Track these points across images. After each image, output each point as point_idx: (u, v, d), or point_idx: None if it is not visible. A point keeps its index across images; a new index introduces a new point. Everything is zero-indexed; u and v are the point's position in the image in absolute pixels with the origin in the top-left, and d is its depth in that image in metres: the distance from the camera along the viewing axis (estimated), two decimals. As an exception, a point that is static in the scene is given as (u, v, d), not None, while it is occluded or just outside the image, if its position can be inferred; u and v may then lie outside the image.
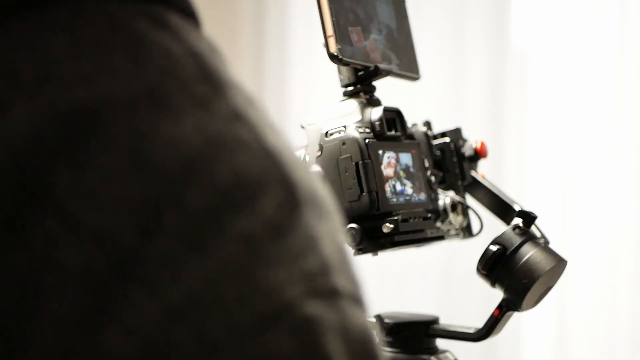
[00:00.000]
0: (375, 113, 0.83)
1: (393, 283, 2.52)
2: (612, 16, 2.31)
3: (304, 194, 0.33)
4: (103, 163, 0.29)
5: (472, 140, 0.98)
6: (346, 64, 0.84)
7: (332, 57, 0.83)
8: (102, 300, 0.28)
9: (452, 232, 0.92)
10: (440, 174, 0.94)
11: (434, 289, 2.47)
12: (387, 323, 0.89)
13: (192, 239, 0.30)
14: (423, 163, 0.88)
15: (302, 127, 0.84)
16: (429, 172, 0.89)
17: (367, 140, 0.80)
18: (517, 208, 0.90)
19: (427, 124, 0.96)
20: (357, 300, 0.34)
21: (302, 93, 2.73)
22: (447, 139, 0.95)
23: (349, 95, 0.86)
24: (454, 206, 0.91)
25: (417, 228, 0.83)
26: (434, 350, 0.90)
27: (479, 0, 2.51)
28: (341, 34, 0.83)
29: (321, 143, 0.81)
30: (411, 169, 0.86)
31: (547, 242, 0.89)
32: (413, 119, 0.95)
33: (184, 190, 0.30)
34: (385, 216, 0.80)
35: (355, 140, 0.80)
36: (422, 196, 0.86)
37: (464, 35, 2.53)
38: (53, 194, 0.29)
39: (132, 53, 0.32)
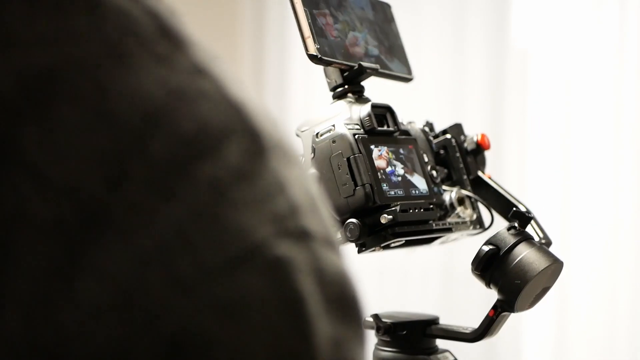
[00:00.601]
0: (364, 109, 0.83)
1: (393, 283, 2.52)
2: (611, 16, 2.31)
3: (269, 141, 0.34)
4: (68, 119, 0.30)
5: (473, 135, 0.98)
6: (327, 63, 0.85)
7: (312, 58, 0.83)
8: (74, 250, 0.29)
9: (461, 225, 0.90)
10: (445, 170, 0.93)
11: (434, 289, 2.47)
12: (386, 322, 0.88)
13: (159, 186, 0.31)
14: (422, 158, 0.88)
15: (297, 135, 0.84)
16: (429, 167, 0.88)
17: (356, 136, 0.81)
18: (522, 209, 0.90)
19: (430, 125, 0.96)
20: (330, 243, 0.35)
21: (302, 93, 2.73)
22: (448, 136, 0.95)
23: (337, 97, 0.86)
24: (461, 200, 0.90)
25: (418, 218, 0.82)
26: (434, 350, 0.90)
27: (479, 0, 2.50)
28: (318, 35, 0.84)
29: (313, 145, 0.81)
30: (407, 162, 0.85)
31: (548, 243, 0.88)
32: (413, 119, 0.95)
33: (148, 140, 0.31)
34: (384, 209, 0.80)
35: (344, 136, 0.80)
36: (423, 189, 0.85)
37: (464, 35, 2.53)
38: (20, 151, 0.30)
39: (92, 15, 0.33)
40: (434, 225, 0.85)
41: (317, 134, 0.82)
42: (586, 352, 2.32)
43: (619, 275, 2.28)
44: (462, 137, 0.95)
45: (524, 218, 0.83)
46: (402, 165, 0.85)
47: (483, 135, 0.96)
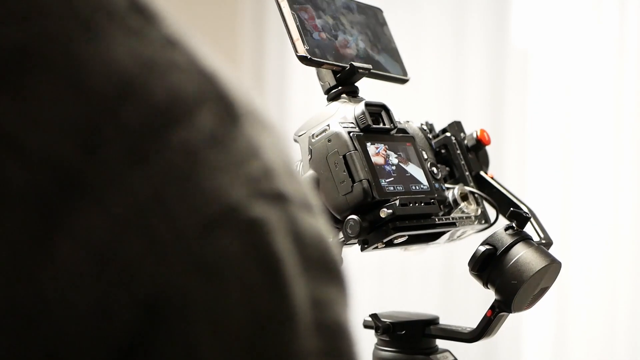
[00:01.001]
0: (358, 108, 0.83)
1: (393, 283, 2.52)
2: (611, 16, 2.31)
3: (242, 108, 0.35)
4: (43, 90, 0.31)
5: (472, 131, 0.97)
6: (317, 64, 0.85)
7: (302, 59, 0.84)
8: (52, 216, 0.30)
9: (466, 220, 0.90)
10: (447, 169, 0.93)
11: (434, 289, 2.47)
12: (385, 322, 0.88)
13: (133, 152, 0.31)
14: (421, 155, 0.87)
15: (295, 140, 0.84)
16: (429, 164, 0.88)
17: (351, 133, 0.81)
18: (524, 209, 0.89)
19: (430, 126, 0.95)
20: (307, 207, 0.35)
21: (302, 94, 2.73)
22: (448, 134, 0.95)
23: (331, 99, 0.86)
24: (464, 196, 0.89)
25: (419, 212, 0.82)
26: (434, 350, 0.90)
27: (479, 0, 2.51)
28: (307, 37, 0.84)
29: (310, 147, 0.81)
30: (406, 160, 0.85)
31: (549, 243, 0.88)
32: (413, 119, 0.95)
33: (122, 108, 0.32)
34: (383, 204, 0.79)
35: (339, 134, 0.80)
36: (424, 185, 0.85)
37: (464, 35, 2.53)
38: None
39: None
40: (436, 219, 0.85)
41: (312, 135, 0.82)
42: (586, 352, 2.32)
43: (619, 275, 2.28)
44: (462, 135, 0.95)
45: (522, 218, 0.83)
46: (397, 160, 0.84)
47: (482, 131, 0.96)
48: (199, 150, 0.32)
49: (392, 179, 0.82)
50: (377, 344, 0.90)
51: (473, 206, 0.91)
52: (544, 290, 0.85)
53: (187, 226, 0.31)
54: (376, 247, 0.81)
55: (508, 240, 0.82)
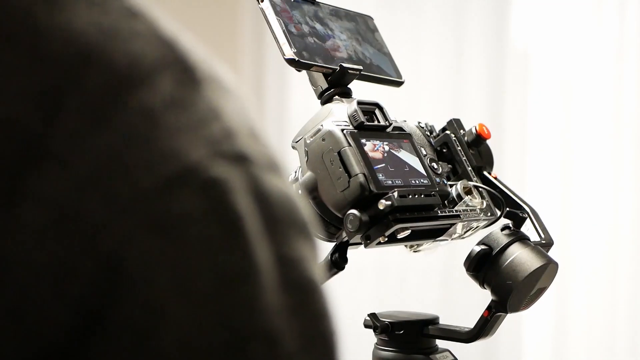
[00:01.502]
0: (351, 106, 0.83)
1: (393, 283, 2.52)
2: (611, 17, 2.31)
3: (203, 74, 0.35)
4: (4, 58, 0.32)
5: (471, 127, 0.96)
6: (306, 66, 0.85)
7: (290, 62, 0.84)
8: (13, 179, 0.31)
9: (471, 212, 0.88)
10: (449, 166, 0.92)
11: (434, 289, 2.47)
12: (383, 322, 0.88)
13: (94, 115, 0.32)
14: (419, 151, 0.86)
15: (293, 147, 0.83)
16: (428, 159, 0.87)
17: (344, 130, 0.80)
18: (527, 209, 0.88)
19: (430, 127, 0.95)
20: (272, 167, 0.36)
21: (302, 94, 2.73)
22: (447, 132, 0.94)
23: (324, 102, 0.86)
24: (468, 191, 0.88)
25: (420, 203, 0.80)
26: (434, 350, 0.90)
27: (479, 0, 2.51)
28: (294, 40, 0.84)
29: (306, 149, 0.81)
30: (404, 157, 0.84)
31: (549, 243, 0.87)
32: (413, 120, 0.95)
33: (82, 74, 0.33)
34: (382, 197, 0.78)
35: (332, 132, 0.80)
36: (424, 179, 0.84)
37: (463, 36, 2.53)
38: None
39: None
40: (439, 212, 0.83)
41: (307, 137, 0.81)
42: (586, 352, 2.32)
43: (619, 275, 2.28)
44: (462, 132, 0.95)
45: (518, 218, 0.83)
46: (395, 155, 0.83)
47: (481, 125, 0.95)
48: (159, 112, 0.33)
49: (390, 173, 0.81)
50: (377, 343, 0.90)
51: (478, 199, 0.89)
52: (541, 291, 0.84)
53: (147, 186, 0.32)
54: (379, 243, 0.80)
55: (504, 240, 0.81)
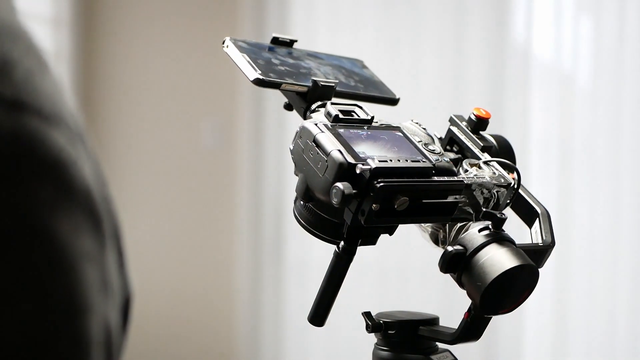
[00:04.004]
0: (327, 107, 0.82)
1: (393, 283, 2.52)
2: (611, 16, 2.31)
3: None
4: None
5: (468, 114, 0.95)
6: (274, 85, 0.83)
7: (257, 82, 0.82)
8: None
9: (477, 180, 0.82)
10: (458, 155, 0.89)
11: (435, 288, 2.47)
12: (375, 321, 0.88)
13: None
14: (410, 137, 0.82)
15: (295, 174, 0.82)
16: (422, 144, 0.82)
17: (317, 124, 0.78)
18: (538, 210, 0.86)
19: (424, 128, 0.94)
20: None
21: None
22: (450, 127, 0.93)
23: (307, 118, 0.84)
24: (477, 166, 0.84)
25: (406, 166, 0.76)
26: (433, 350, 0.90)
27: (479, 0, 2.51)
28: (258, 64, 0.84)
29: (292, 156, 0.80)
30: (390, 138, 0.81)
31: (547, 246, 0.84)
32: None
33: None
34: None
35: (305, 126, 0.78)
36: (414, 153, 0.80)
37: (464, 35, 2.53)
38: None
39: None
40: (435, 178, 0.78)
41: (290, 145, 0.80)
42: (586, 352, 2.32)
43: (619, 275, 2.28)
44: (464, 123, 0.93)
45: (496, 219, 0.79)
46: (381, 137, 0.80)
47: (476, 108, 0.93)
48: None
49: (372, 149, 0.78)
50: (376, 343, 0.90)
51: (488, 171, 0.85)
52: (524, 294, 0.80)
53: None
54: (377, 214, 0.75)
55: (479, 241, 0.78)
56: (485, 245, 0.77)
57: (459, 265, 0.78)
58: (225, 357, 3.25)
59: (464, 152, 0.90)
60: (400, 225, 0.82)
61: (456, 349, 0.92)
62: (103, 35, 3.27)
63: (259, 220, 3.10)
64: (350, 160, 0.75)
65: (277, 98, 2.85)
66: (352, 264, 0.84)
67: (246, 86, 3.06)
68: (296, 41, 0.92)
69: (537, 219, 0.85)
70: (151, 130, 3.28)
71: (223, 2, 3.16)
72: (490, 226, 0.78)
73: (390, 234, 0.83)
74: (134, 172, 3.29)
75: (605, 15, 2.32)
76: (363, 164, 0.74)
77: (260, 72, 0.83)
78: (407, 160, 0.77)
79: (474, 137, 0.90)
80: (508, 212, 0.86)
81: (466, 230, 0.82)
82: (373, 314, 0.90)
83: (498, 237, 0.78)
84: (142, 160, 3.30)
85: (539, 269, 0.81)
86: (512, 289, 0.79)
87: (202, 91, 3.25)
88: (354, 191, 0.74)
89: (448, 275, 0.81)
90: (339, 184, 0.74)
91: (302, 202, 0.82)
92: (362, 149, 0.77)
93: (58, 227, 0.36)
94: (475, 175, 0.83)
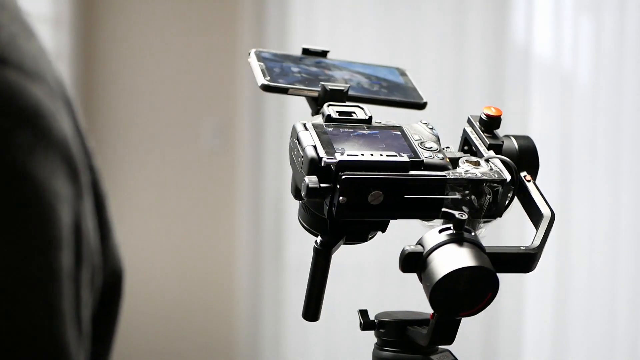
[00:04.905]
0: (323, 108, 0.81)
1: (394, 283, 2.52)
2: (611, 16, 2.31)
3: None
4: None
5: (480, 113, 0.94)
6: (282, 90, 0.84)
7: (264, 88, 0.83)
8: None
9: (465, 174, 0.80)
10: (467, 154, 0.88)
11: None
12: (367, 319, 0.88)
13: None
14: (409, 136, 0.81)
15: None
16: (419, 142, 0.81)
17: (306, 123, 0.78)
18: (542, 212, 0.84)
19: (431, 127, 0.93)
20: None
21: (302, 99, 2.73)
22: (465, 129, 0.92)
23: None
24: (476, 163, 0.82)
25: (376, 159, 0.75)
26: (433, 350, 0.90)
27: (479, 0, 2.51)
28: (270, 73, 0.85)
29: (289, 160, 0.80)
30: (384, 137, 0.80)
31: (531, 253, 0.82)
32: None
33: None
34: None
35: (294, 126, 0.78)
36: (403, 150, 0.79)
37: (464, 35, 2.53)
38: None
39: None
40: (420, 169, 0.77)
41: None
42: (586, 352, 2.32)
43: (619, 275, 2.28)
44: (478, 125, 0.92)
45: (455, 220, 0.77)
46: (373, 135, 0.79)
47: (486, 107, 0.92)
48: None
49: (356, 147, 0.77)
50: (376, 343, 0.90)
51: (485, 167, 0.82)
52: (486, 297, 0.76)
53: None
54: (348, 208, 0.74)
55: (435, 240, 0.76)
56: (441, 245, 0.75)
57: (417, 264, 0.77)
58: (225, 356, 3.25)
59: (477, 154, 0.88)
60: (400, 225, 0.82)
61: (456, 349, 0.92)
62: (103, 35, 3.27)
63: (259, 220, 3.10)
64: (322, 155, 0.75)
65: (277, 99, 2.85)
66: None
67: (246, 87, 3.06)
68: (328, 52, 0.92)
69: (540, 222, 0.83)
70: (151, 131, 3.28)
71: (223, 2, 3.16)
72: (451, 226, 0.76)
73: (383, 231, 0.82)
74: (134, 172, 3.29)
75: (605, 15, 2.32)
76: (329, 158, 0.74)
77: (268, 78, 0.84)
78: (382, 155, 0.76)
79: (482, 135, 0.89)
80: (511, 212, 0.85)
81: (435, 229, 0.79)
82: (373, 313, 0.90)
83: (458, 237, 0.76)
84: (142, 160, 3.30)
85: (528, 273, 0.79)
86: (468, 291, 0.76)
87: (202, 91, 3.25)
88: (320, 185, 0.74)
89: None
90: (306, 178, 0.74)
91: (299, 201, 0.82)
92: (343, 146, 0.76)
93: (34, 168, 0.38)
94: (466, 171, 0.81)
